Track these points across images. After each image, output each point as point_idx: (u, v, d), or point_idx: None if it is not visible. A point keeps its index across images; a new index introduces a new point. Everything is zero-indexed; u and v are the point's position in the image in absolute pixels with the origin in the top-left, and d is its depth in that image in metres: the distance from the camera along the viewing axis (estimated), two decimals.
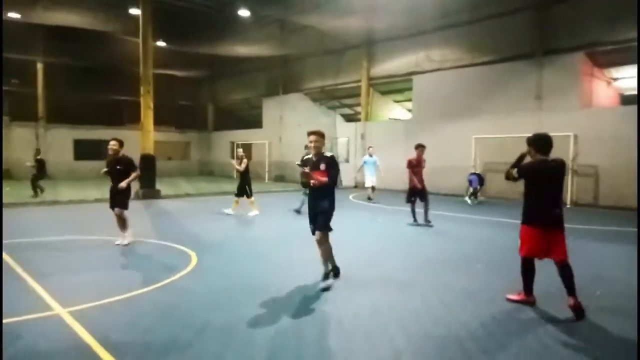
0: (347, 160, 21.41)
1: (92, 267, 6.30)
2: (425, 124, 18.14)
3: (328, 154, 5.54)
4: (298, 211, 11.16)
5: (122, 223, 7.68)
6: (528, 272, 4.72)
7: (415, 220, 10.01)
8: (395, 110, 22.85)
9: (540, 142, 4.62)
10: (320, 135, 5.56)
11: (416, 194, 10.02)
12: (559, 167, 4.60)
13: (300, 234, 9.12)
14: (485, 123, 16.02)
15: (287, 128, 25.12)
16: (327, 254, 5.49)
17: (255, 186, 12.63)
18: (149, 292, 5.12)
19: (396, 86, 21.13)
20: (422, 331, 4.08)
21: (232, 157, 26.83)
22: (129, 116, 27.49)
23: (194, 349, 3.66)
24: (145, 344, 3.76)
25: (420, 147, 10.03)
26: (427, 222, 9.84)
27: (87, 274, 5.98)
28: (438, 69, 18.00)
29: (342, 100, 23.84)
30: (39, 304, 4.66)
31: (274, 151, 25.71)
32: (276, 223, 10.84)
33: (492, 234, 9.18)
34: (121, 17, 19.00)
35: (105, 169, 7.76)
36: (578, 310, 4.35)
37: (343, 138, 22.06)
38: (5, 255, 6.58)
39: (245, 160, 11.76)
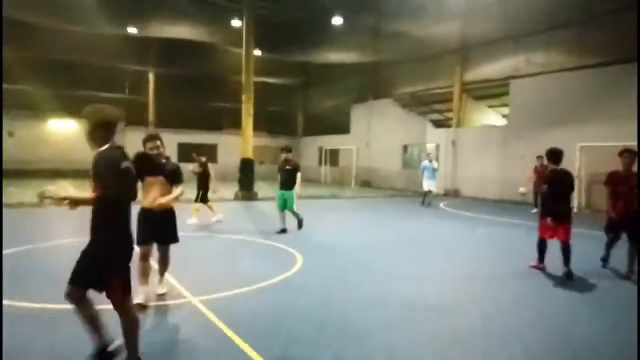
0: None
1: (212, 262, 6.89)
2: (523, 130, 17.31)
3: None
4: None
5: (166, 264, 5.18)
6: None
7: (606, 261, 6.95)
8: (489, 116, 22.03)
9: (554, 155, 6.49)
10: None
11: (618, 227, 6.61)
12: (566, 176, 6.37)
13: (399, 239, 9.31)
14: (594, 130, 14.90)
15: (375, 134, 25.23)
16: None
17: (342, 191, 12.80)
18: (266, 287, 5.53)
19: (491, 91, 20.40)
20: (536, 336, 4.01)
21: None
22: (227, 122, 29.33)
23: (315, 343, 3.93)
24: (271, 334, 4.10)
25: (628, 154, 6.42)
26: (630, 273, 6.34)
27: (210, 267, 6.57)
28: (540, 73, 17.10)
29: (432, 106, 23.46)
30: (172, 292, 5.23)
31: (361, 157, 25.92)
32: (371, 227, 11.00)
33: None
34: (223, 29, 20.33)
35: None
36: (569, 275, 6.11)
37: (432, 144, 21.69)
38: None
39: (203, 163, 10.95)
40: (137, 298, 4.38)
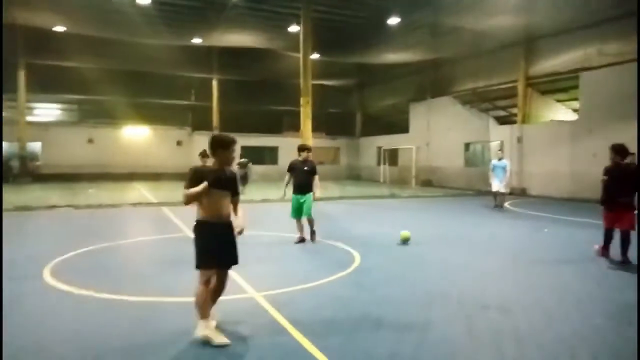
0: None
1: (273, 259, 7.17)
2: (595, 125, 16.32)
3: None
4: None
5: (222, 289, 4.18)
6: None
7: None
8: (557, 111, 20.93)
9: (621, 151, 6.87)
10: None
11: None
12: (626, 168, 6.87)
13: (459, 238, 9.14)
14: None
15: (435, 132, 24.77)
16: None
17: (402, 191, 12.70)
18: (324, 284, 5.69)
19: (559, 84, 19.41)
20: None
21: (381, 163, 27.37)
22: (287, 124, 30.02)
23: (372, 339, 4.02)
24: (330, 329, 4.24)
25: None
26: None
27: (270, 265, 6.85)
28: (613, 64, 16.04)
29: (495, 102, 22.67)
30: (235, 288, 5.52)
31: (421, 156, 25.54)
32: (431, 226, 10.87)
33: None
34: (282, 35, 20.85)
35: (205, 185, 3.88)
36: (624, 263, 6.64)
37: (496, 142, 20.95)
38: None
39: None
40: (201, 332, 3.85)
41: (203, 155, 10.79)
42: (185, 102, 30.20)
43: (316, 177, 8.31)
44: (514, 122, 20.75)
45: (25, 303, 4.90)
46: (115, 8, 17.14)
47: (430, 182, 24.43)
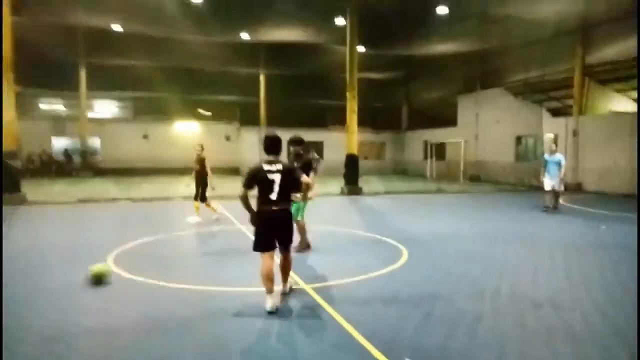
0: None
1: (321, 253, 7.28)
2: None
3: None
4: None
5: (289, 266, 5.05)
6: None
7: None
8: (616, 102, 19.82)
9: None
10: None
11: None
12: None
13: (509, 234, 8.93)
14: None
15: (484, 125, 24.09)
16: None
17: (449, 186, 12.37)
18: (373, 278, 5.76)
19: (619, 73, 18.35)
20: None
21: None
22: (332, 118, 30.13)
23: (421, 332, 4.06)
24: (381, 322, 4.30)
25: None
26: None
27: (318, 258, 6.97)
28: None
29: (549, 93, 21.72)
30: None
31: (469, 150, 24.93)
32: (480, 222, 10.66)
33: None
34: (328, 29, 20.90)
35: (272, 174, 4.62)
36: None
37: (549, 134, 20.12)
38: None
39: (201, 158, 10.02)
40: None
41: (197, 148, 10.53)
42: (233, 98, 30.93)
43: (311, 175, 6.62)
44: (570, 114, 19.84)
45: (91, 289, 5.27)
46: (168, 6, 17.77)
47: (478, 178, 23.83)
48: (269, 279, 4.55)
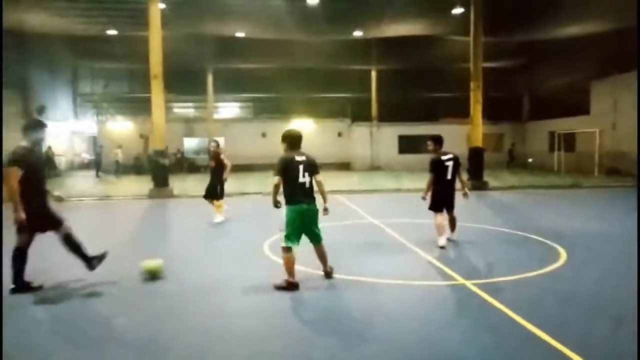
0: None
1: (468, 249, 7.13)
2: None
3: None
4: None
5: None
6: None
7: None
8: None
9: None
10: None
11: None
12: None
13: None
14: None
15: (624, 113, 21.59)
16: None
17: (585, 180, 11.26)
18: (537, 276, 5.50)
19: None
20: None
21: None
22: (443, 111, 29.24)
23: (614, 337, 3.80)
24: (557, 320, 4.13)
25: None
26: None
27: (468, 254, 6.83)
28: None
29: None
30: (441, 275, 5.65)
31: (604, 141, 22.54)
32: (632, 221, 9.61)
33: None
34: (445, 19, 20.27)
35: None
36: None
37: None
38: (392, 232, 8.21)
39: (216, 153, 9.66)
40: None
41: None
42: (345, 95, 31.44)
43: (319, 178, 5.35)
44: None
45: (251, 274, 5.72)
46: (285, 10, 18.56)
47: (617, 170, 21.43)
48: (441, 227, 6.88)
